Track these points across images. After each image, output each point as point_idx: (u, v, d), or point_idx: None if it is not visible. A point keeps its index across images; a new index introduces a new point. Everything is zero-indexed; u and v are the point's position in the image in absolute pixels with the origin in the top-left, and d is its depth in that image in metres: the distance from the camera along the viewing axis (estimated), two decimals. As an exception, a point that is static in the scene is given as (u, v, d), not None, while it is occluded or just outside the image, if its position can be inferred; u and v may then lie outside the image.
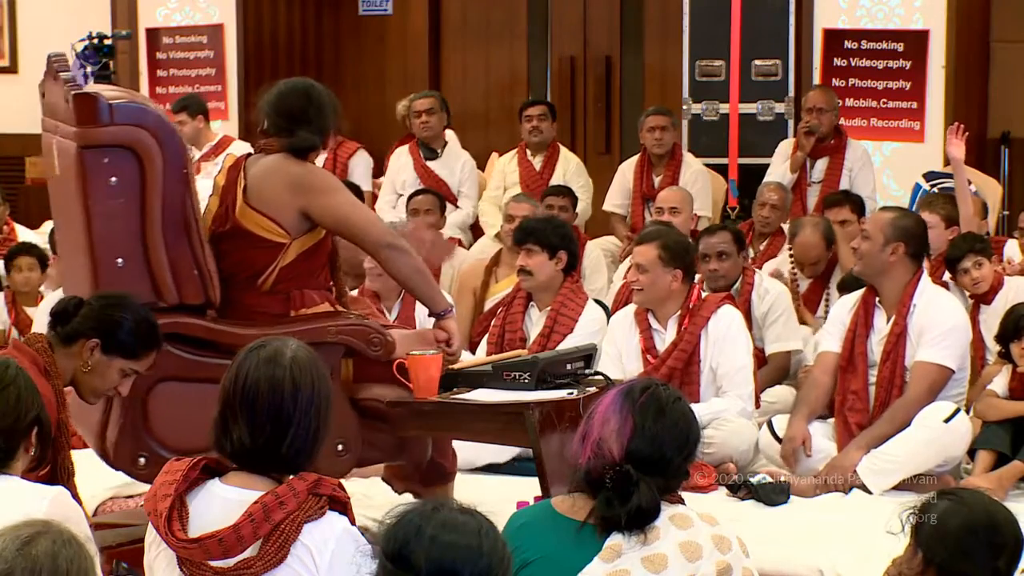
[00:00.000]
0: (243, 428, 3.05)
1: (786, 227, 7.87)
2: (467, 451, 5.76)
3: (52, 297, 6.26)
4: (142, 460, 4.57)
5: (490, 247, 8.12)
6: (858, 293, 6.01)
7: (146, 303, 4.46)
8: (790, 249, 7.38)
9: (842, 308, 5.99)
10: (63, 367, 4.10)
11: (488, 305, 7.16)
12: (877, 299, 5.83)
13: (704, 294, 6.17)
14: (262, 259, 4.72)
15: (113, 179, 4.47)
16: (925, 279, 5.81)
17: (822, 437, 5.81)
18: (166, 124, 4.58)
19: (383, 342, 4.72)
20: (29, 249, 7.57)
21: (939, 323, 5.68)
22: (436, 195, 8.15)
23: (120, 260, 4.51)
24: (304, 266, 4.78)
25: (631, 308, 6.20)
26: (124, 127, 4.48)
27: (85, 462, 5.39)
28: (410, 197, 8.14)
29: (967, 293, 6.61)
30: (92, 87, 4.65)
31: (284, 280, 4.75)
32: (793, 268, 7.32)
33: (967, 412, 5.84)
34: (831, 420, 5.92)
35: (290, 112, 4.79)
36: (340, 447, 4.70)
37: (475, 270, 7.47)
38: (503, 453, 6.00)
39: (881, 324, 5.80)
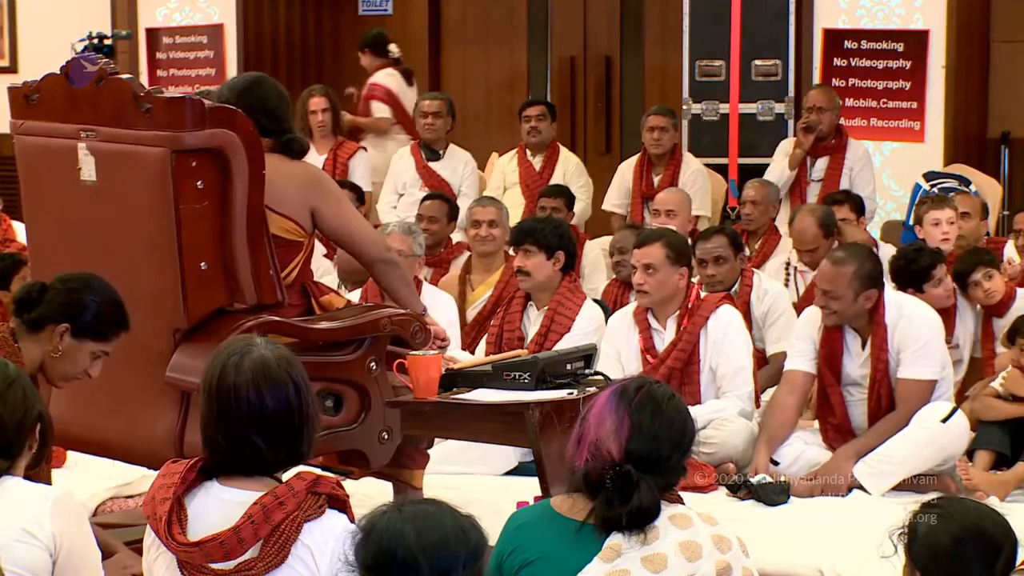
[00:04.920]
0: (259, 442, 3.03)
1: (780, 225, 7.87)
2: (467, 462, 5.85)
3: None
4: None
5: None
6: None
7: (222, 306, 4.47)
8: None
9: (810, 325, 5.86)
10: (31, 355, 4.04)
11: (470, 314, 7.13)
12: (844, 326, 5.77)
13: (703, 294, 6.16)
14: (284, 257, 4.75)
15: (199, 183, 4.41)
16: (888, 295, 5.75)
17: (815, 447, 5.80)
18: (249, 124, 4.51)
19: (423, 330, 4.81)
20: None
21: (916, 338, 5.65)
22: (446, 202, 8.05)
23: (204, 264, 4.45)
24: (310, 260, 4.91)
25: (630, 308, 6.19)
26: (217, 131, 4.41)
27: (85, 462, 5.41)
28: (422, 200, 8.09)
29: (978, 306, 6.57)
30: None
31: (301, 275, 4.83)
32: (788, 268, 7.29)
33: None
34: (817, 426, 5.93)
35: (272, 111, 4.80)
36: (384, 435, 4.75)
37: (451, 282, 7.43)
38: (500, 466, 5.99)
39: (856, 348, 5.75)
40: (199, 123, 4.40)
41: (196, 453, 3.17)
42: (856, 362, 5.74)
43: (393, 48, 9.70)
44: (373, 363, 4.70)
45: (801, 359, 5.85)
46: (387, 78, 9.48)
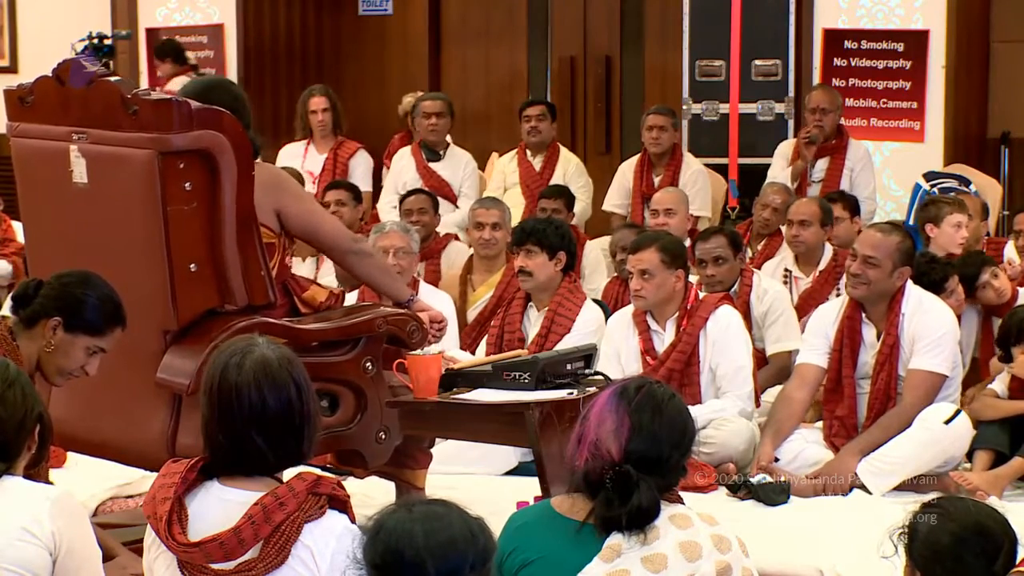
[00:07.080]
0: (260, 442, 3.03)
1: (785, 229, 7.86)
2: (467, 462, 5.85)
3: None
4: None
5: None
6: (837, 303, 5.96)
7: (212, 307, 4.47)
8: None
9: (823, 320, 5.90)
10: (28, 352, 4.05)
11: (471, 315, 7.13)
12: (864, 315, 5.78)
13: (702, 294, 6.16)
14: None
15: (188, 184, 4.40)
16: (909, 285, 5.77)
17: (815, 445, 5.80)
18: (237, 125, 4.50)
19: (419, 329, 4.81)
20: None
21: (931, 330, 5.66)
22: (428, 195, 8.10)
23: (193, 265, 4.44)
24: (285, 257, 4.90)
25: (629, 309, 6.18)
26: (205, 132, 4.40)
27: (85, 462, 5.41)
28: (402, 198, 8.11)
29: (979, 306, 6.55)
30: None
31: (280, 274, 4.83)
32: (786, 274, 7.28)
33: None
34: (819, 424, 5.93)
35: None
36: (382, 435, 4.76)
37: (451, 282, 7.43)
38: (500, 466, 5.99)
39: (871, 339, 5.76)
40: (186, 125, 4.38)
41: (188, 455, 3.17)
42: (869, 353, 5.75)
43: (190, 55, 9.73)
44: (369, 363, 4.70)
45: (814, 353, 5.86)
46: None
